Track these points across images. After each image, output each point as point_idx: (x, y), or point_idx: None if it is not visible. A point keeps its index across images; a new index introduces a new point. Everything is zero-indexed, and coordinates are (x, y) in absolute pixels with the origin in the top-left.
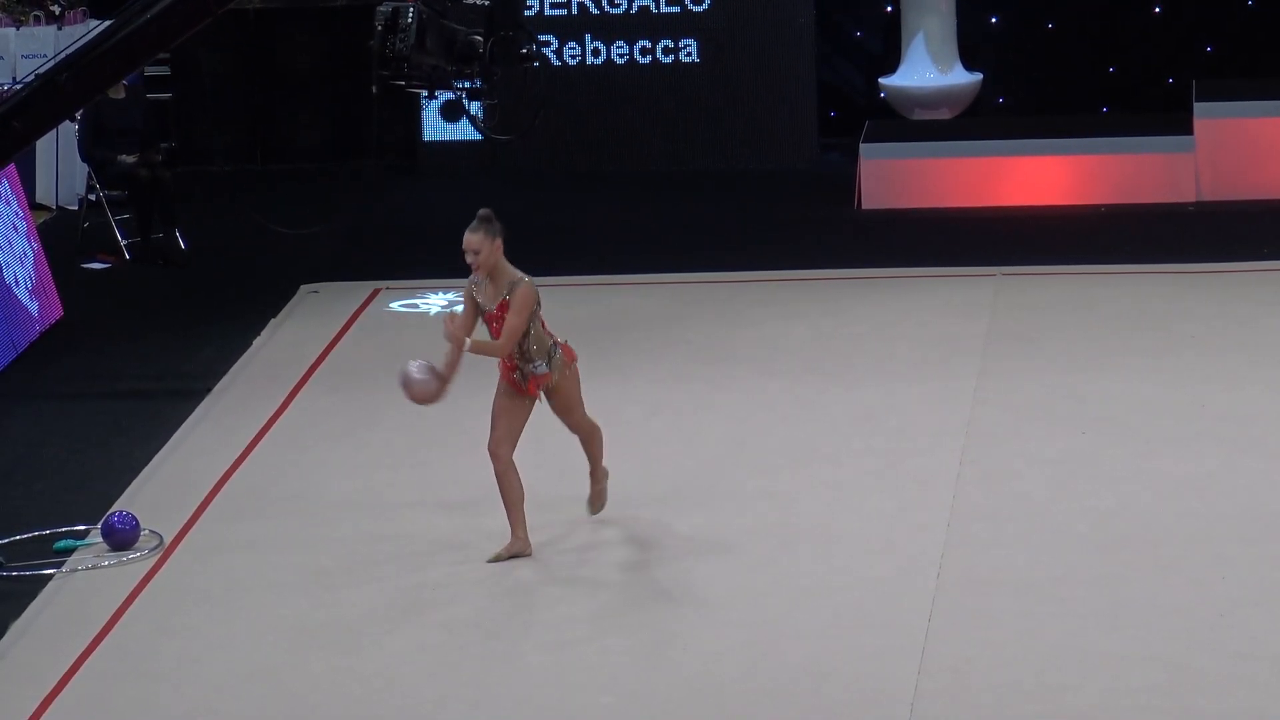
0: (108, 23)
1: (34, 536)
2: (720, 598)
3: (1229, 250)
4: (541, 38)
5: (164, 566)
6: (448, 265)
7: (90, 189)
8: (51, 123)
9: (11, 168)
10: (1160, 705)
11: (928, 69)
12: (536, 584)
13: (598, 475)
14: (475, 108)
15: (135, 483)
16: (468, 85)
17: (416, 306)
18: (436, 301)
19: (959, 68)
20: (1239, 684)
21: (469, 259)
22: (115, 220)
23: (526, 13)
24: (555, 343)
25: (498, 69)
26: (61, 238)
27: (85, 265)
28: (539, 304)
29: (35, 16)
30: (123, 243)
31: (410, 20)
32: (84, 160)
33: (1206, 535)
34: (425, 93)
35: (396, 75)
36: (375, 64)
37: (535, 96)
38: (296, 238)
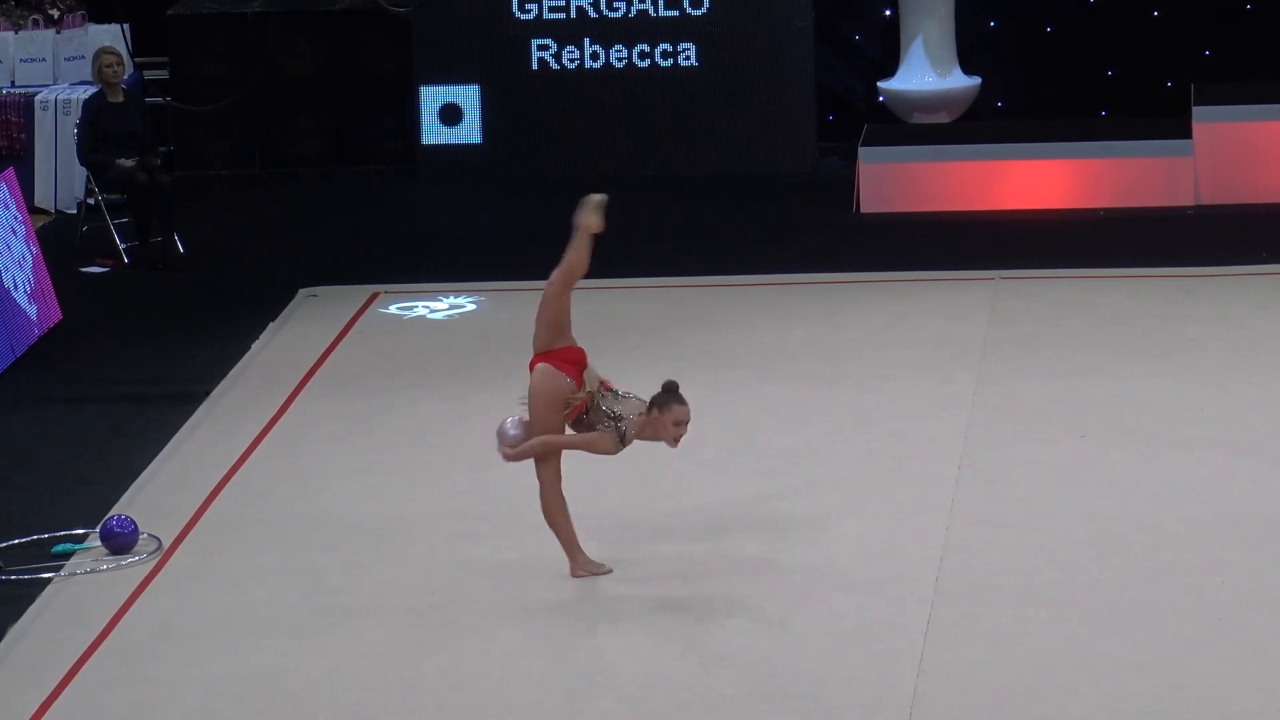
0: (106, 27)
1: (33, 540)
2: (718, 602)
3: (1228, 254)
4: (540, 41)
5: (162, 570)
6: (446, 269)
7: (89, 193)
8: None
9: (10, 171)
10: (1160, 709)
11: (926, 73)
12: (534, 588)
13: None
14: None
15: (134, 486)
16: None
17: (415, 310)
18: (435, 305)
19: (957, 71)
20: (1239, 688)
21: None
22: (114, 224)
23: (525, 16)
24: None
25: None
26: (60, 242)
27: (84, 269)
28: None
29: (34, 20)
30: (121, 247)
31: None
32: (83, 164)
33: (1206, 539)
34: None
35: None
36: None
37: None
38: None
